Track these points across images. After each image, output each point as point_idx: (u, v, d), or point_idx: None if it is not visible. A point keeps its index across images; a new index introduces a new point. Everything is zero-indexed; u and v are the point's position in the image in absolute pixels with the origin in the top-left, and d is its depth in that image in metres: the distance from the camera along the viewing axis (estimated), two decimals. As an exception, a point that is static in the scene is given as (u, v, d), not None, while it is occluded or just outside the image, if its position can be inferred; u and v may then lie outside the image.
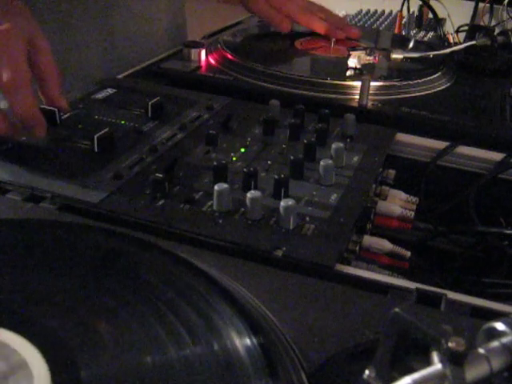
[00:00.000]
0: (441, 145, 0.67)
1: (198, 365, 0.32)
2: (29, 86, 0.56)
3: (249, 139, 0.62)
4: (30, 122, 0.57)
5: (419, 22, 1.22)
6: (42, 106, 0.60)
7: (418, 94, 0.79)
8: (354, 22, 1.23)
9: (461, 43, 1.00)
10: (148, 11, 0.96)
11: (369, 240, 0.52)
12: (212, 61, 0.86)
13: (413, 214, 0.58)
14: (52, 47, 0.60)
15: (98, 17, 0.87)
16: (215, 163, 0.53)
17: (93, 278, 0.38)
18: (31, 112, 0.56)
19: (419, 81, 0.81)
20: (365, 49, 0.83)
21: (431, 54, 0.90)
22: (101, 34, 0.89)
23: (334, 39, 0.96)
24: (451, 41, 1.08)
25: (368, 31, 1.15)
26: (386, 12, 1.33)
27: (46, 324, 0.34)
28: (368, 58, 0.82)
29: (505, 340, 0.27)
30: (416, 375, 0.25)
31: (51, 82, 0.60)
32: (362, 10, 1.32)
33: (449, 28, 1.15)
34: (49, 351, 0.31)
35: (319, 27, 0.97)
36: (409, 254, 0.54)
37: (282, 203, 0.47)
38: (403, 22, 1.19)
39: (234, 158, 0.58)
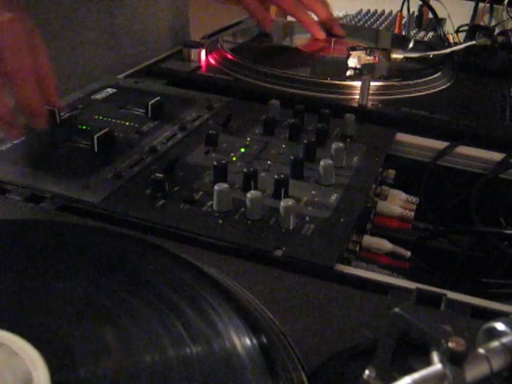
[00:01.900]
0: (441, 145, 0.67)
1: (198, 365, 0.32)
2: (31, 74, 0.57)
3: (249, 139, 0.62)
4: (32, 110, 0.57)
5: (419, 22, 1.22)
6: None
7: (417, 94, 0.79)
8: (354, 21, 1.23)
9: (461, 43, 1.00)
10: (152, 11, 0.96)
11: (369, 240, 0.52)
12: (212, 61, 0.86)
13: (413, 214, 0.58)
14: (56, 46, 0.61)
15: (102, 16, 0.88)
16: (215, 163, 0.53)
17: (92, 278, 0.38)
18: (34, 100, 0.57)
19: (419, 81, 0.81)
20: (365, 49, 0.83)
21: (431, 54, 0.90)
22: (105, 33, 0.89)
23: (334, 39, 0.96)
24: (451, 41, 1.08)
25: (368, 31, 1.15)
26: (386, 12, 1.33)
27: (46, 325, 0.34)
28: (368, 58, 0.82)
29: (505, 340, 0.27)
30: (416, 375, 0.25)
31: (49, 82, 0.60)
32: (361, 10, 1.32)
33: (449, 28, 1.15)
34: (48, 352, 0.31)
35: (304, 19, 0.97)
36: (409, 253, 0.54)
37: (282, 203, 0.47)
38: (403, 22, 1.19)
39: (234, 158, 0.58)
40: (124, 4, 0.90)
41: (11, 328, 0.33)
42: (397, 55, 0.85)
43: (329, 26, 0.98)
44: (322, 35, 0.97)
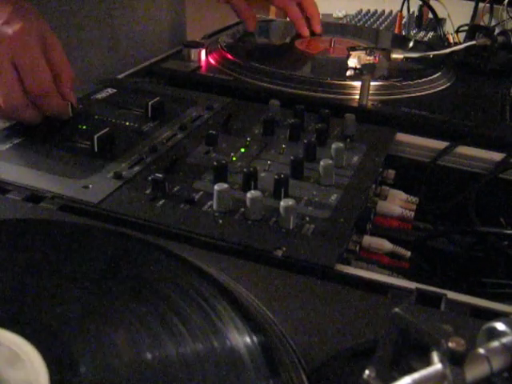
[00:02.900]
0: (441, 145, 0.67)
1: (198, 364, 0.32)
2: (52, 83, 0.59)
3: (249, 139, 0.62)
4: (58, 114, 0.61)
5: (419, 22, 1.22)
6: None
7: (418, 93, 0.79)
8: (354, 21, 1.23)
9: (461, 43, 1.00)
10: (150, 11, 0.96)
11: (369, 240, 0.52)
12: (212, 61, 0.86)
13: (413, 214, 0.58)
14: None
15: (102, 17, 0.88)
16: (215, 163, 0.53)
17: (92, 277, 0.38)
18: (59, 107, 0.61)
19: (419, 81, 0.81)
20: (365, 49, 0.83)
21: (431, 54, 0.90)
22: (105, 33, 0.89)
23: (334, 39, 0.96)
24: (451, 41, 1.08)
25: (368, 31, 1.15)
26: (386, 12, 1.33)
27: (46, 324, 0.34)
28: (368, 58, 0.82)
29: (505, 340, 0.27)
30: (416, 375, 0.25)
31: (64, 77, 0.61)
32: (361, 10, 1.32)
33: (449, 28, 1.15)
34: (48, 351, 0.31)
35: (293, 14, 0.99)
36: (409, 253, 0.54)
37: (282, 203, 0.47)
38: (403, 22, 1.19)
39: (234, 158, 0.58)
40: (123, 5, 0.90)
41: (11, 328, 0.33)
42: (397, 55, 0.85)
43: (311, 22, 1.00)
44: (306, 32, 0.99)
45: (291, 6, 0.99)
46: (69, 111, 0.62)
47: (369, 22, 1.23)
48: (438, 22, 1.13)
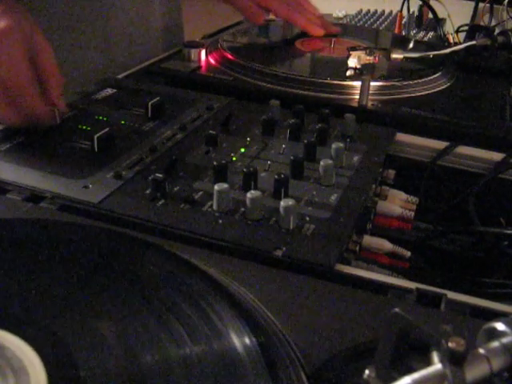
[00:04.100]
0: (441, 145, 0.67)
1: (198, 365, 0.32)
2: (31, 86, 0.58)
3: (249, 139, 0.62)
4: (39, 119, 0.59)
5: (419, 22, 1.22)
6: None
7: (418, 93, 0.79)
8: (354, 21, 1.23)
9: (461, 43, 1.00)
10: (144, 12, 0.96)
11: (369, 240, 0.52)
12: (212, 61, 0.86)
13: (413, 214, 0.58)
14: None
15: (95, 18, 0.88)
16: (215, 163, 0.53)
17: (92, 278, 0.38)
18: (39, 111, 0.59)
19: (419, 81, 0.81)
20: (365, 49, 0.83)
21: (431, 54, 0.90)
22: (98, 35, 0.89)
23: (334, 39, 0.96)
24: (451, 41, 1.08)
25: (368, 31, 1.15)
26: (386, 12, 1.33)
27: (45, 325, 0.34)
28: (368, 57, 0.82)
29: (505, 340, 0.27)
30: (416, 375, 0.25)
31: (52, 82, 0.60)
32: (361, 10, 1.32)
33: (449, 28, 1.15)
34: (46, 352, 0.31)
35: (299, 20, 0.97)
36: (409, 253, 0.54)
37: (282, 203, 0.47)
38: (403, 22, 1.19)
39: (234, 158, 0.58)
40: (116, 7, 0.90)
41: (9, 328, 0.33)
42: (397, 55, 0.85)
43: (323, 25, 0.99)
44: (320, 32, 0.97)
45: (293, 13, 0.96)
46: (55, 117, 0.61)
47: (369, 22, 1.23)
48: (438, 21, 1.13)
